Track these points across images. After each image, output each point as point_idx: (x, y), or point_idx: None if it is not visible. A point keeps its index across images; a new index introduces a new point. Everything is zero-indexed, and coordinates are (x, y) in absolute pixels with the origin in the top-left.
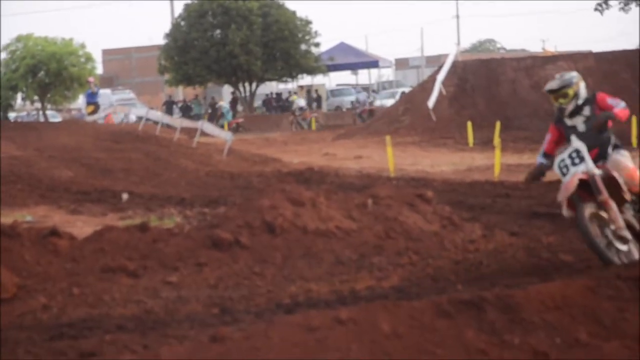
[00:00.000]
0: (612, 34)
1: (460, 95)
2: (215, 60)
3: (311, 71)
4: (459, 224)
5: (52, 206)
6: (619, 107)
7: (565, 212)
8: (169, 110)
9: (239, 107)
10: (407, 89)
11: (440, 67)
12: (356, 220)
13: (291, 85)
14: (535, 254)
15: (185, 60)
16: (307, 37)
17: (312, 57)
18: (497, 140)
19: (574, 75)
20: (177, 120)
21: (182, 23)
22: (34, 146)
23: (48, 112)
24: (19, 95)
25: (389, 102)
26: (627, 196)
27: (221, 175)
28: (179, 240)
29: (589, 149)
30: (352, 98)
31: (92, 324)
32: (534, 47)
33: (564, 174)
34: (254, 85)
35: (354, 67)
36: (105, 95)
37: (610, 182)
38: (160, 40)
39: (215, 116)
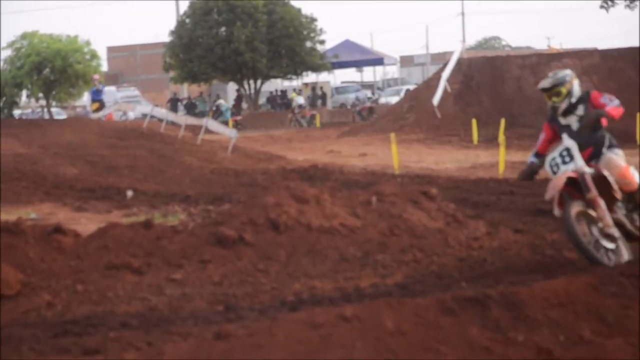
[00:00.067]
0: (617, 31)
1: (465, 92)
2: (220, 57)
3: (316, 68)
4: (463, 221)
5: (57, 203)
6: (612, 105)
7: (557, 211)
8: (173, 108)
9: (244, 105)
10: (412, 87)
11: (445, 65)
12: (360, 218)
13: (296, 82)
14: (539, 252)
15: (190, 57)
16: (312, 35)
17: (317, 54)
18: (501, 137)
19: (567, 73)
20: (182, 118)
21: (187, 20)
22: (39, 143)
23: (53, 110)
24: (24, 93)
25: (394, 100)
26: (618, 195)
27: (225, 173)
28: (183, 237)
29: (583, 148)
30: (361, 95)
31: (96, 321)
32: (540, 44)
33: (554, 173)
34: (258, 82)
35: (359, 64)
36: (110, 92)
37: (601, 181)
38: (165, 37)
39: (214, 114)
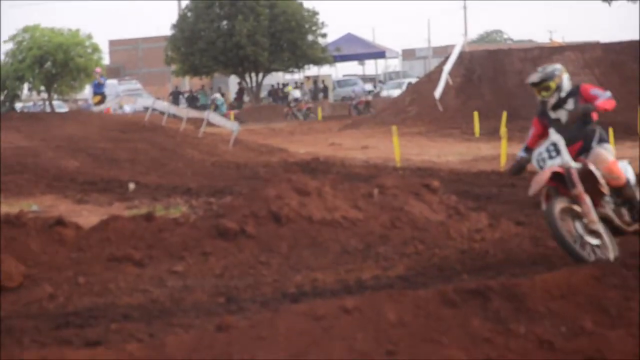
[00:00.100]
0: (620, 24)
1: (467, 85)
2: (222, 51)
3: (318, 62)
4: (465, 213)
5: (59, 196)
6: (603, 98)
7: (544, 206)
8: (175, 101)
9: (246, 98)
10: (413, 80)
11: (447, 58)
12: (362, 210)
13: (298, 75)
14: (540, 244)
15: (192, 50)
16: (313, 28)
17: (318, 47)
18: (503, 130)
19: (556, 67)
20: (184, 111)
21: (189, 14)
22: (41, 136)
23: (54, 103)
24: (26, 86)
25: (396, 93)
26: (605, 190)
27: (227, 166)
28: (185, 229)
29: (573, 142)
30: (358, 88)
31: (98, 313)
32: (542, 38)
33: (541, 168)
34: (260, 75)
35: (360, 57)
36: (111, 85)
37: (588, 176)
38: (167, 31)
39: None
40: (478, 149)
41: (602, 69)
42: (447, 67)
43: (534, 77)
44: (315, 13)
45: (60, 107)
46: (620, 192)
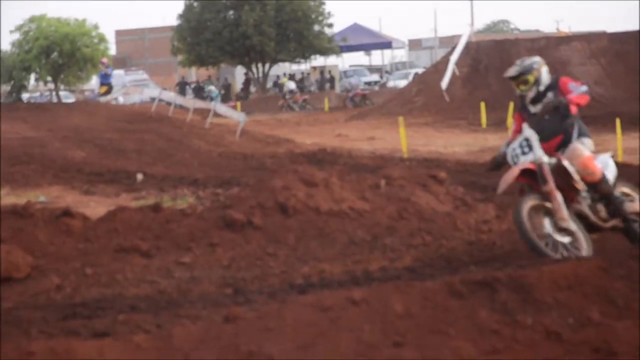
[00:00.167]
0: (625, 15)
1: (474, 76)
2: (229, 41)
3: (324, 52)
4: (472, 204)
5: (65, 186)
6: (577, 92)
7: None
8: (182, 91)
9: (252, 89)
10: (420, 70)
11: (453, 48)
12: (369, 201)
13: (304, 66)
14: None
15: (199, 41)
16: (320, 18)
17: (325, 38)
18: (510, 121)
19: (535, 60)
20: (190, 101)
21: (195, 4)
22: (48, 127)
23: (61, 93)
24: (33, 76)
25: (402, 83)
26: (579, 185)
27: (234, 156)
28: (192, 220)
29: (553, 136)
30: (366, 79)
31: (105, 304)
32: (548, 27)
33: (515, 164)
34: (267, 66)
35: (367, 48)
36: (118, 76)
37: (562, 172)
38: (173, 21)
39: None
40: (485, 140)
41: (608, 59)
42: (454, 57)
43: (512, 71)
44: (321, 3)
45: (67, 97)
46: (596, 187)
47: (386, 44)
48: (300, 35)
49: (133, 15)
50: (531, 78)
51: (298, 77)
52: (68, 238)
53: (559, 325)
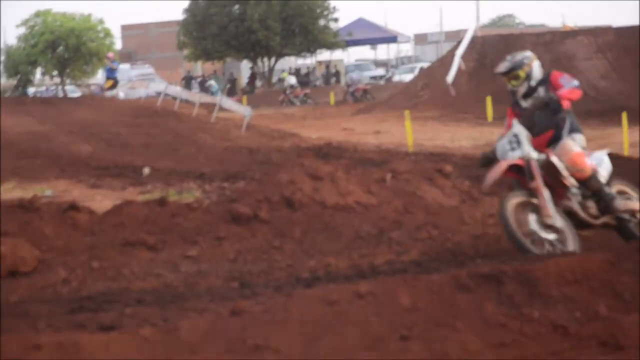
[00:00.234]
0: (632, 9)
1: (480, 70)
2: (234, 35)
3: (330, 46)
4: (478, 198)
5: (72, 180)
6: (568, 87)
7: None
8: (187, 86)
9: (258, 83)
10: (426, 64)
11: (459, 43)
12: (375, 195)
13: (310, 60)
14: None
15: (204, 35)
16: (325, 13)
17: (330, 32)
18: None
19: (526, 55)
20: (196, 96)
21: None
22: (54, 121)
23: (67, 88)
24: (39, 70)
25: (408, 78)
26: (568, 182)
27: (240, 150)
28: (198, 214)
29: (543, 131)
30: (371, 73)
31: (111, 298)
32: (554, 22)
33: (504, 160)
34: (272, 60)
35: (372, 42)
36: (124, 70)
37: (552, 168)
38: (179, 15)
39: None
40: (491, 134)
41: (614, 54)
42: (460, 51)
43: (502, 67)
44: None
45: (73, 92)
46: (586, 184)
47: (392, 39)
48: (306, 29)
49: (138, 9)
50: (522, 73)
51: (304, 71)
52: (74, 232)
53: (565, 319)
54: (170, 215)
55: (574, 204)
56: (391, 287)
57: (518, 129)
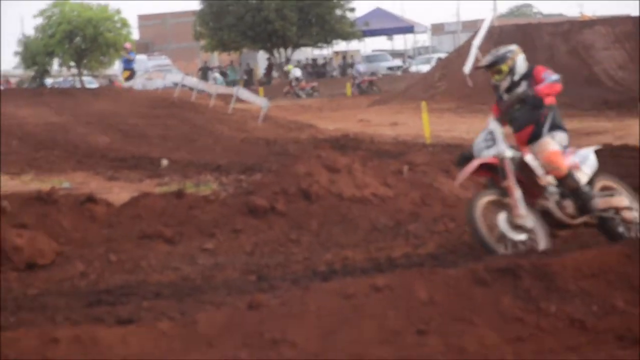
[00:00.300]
0: None
1: None
2: (251, 26)
3: (346, 37)
4: None
5: (89, 172)
6: (547, 82)
7: None
8: (204, 76)
9: (275, 74)
10: (443, 55)
11: (476, 33)
12: (392, 187)
13: (326, 51)
14: None
15: (221, 26)
16: (342, 2)
17: (347, 22)
18: None
19: (510, 49)
20: (213, 87)
21: None
22: (71, 112)
23: (85, 78)
24: (56, 61)
25: (425, 68)
26: (542, 181)
27: (257, 142)
28: (215, 207)
29: (523, 127)
30: (388, 64)
31: (129, 291)
32: (572, 11)
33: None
34: (289, 51)
35: (389, 32)
36: (141, 61)
37: (526, 166)
38: (195, 5)
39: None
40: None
41: (632, 44)
42: (477, 41)
43: (485, 60)
44: None
45: (91, 82)
46: (562, 183)
47: (408, 29)
48: (322, 19)
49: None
50: (505, 67)
51: (320, 62)
52: (92, 224)
53: (582, 313)
54: (188, 207)
55: (551, 203)
56: (408, 281)
57: (493, 126)
